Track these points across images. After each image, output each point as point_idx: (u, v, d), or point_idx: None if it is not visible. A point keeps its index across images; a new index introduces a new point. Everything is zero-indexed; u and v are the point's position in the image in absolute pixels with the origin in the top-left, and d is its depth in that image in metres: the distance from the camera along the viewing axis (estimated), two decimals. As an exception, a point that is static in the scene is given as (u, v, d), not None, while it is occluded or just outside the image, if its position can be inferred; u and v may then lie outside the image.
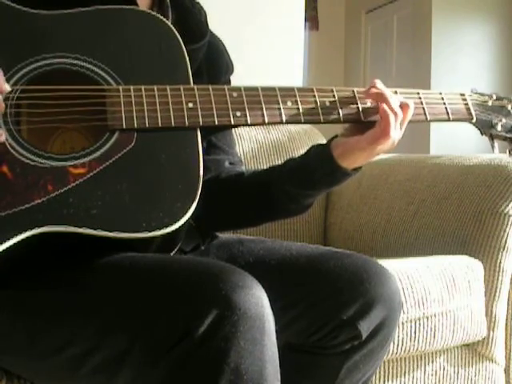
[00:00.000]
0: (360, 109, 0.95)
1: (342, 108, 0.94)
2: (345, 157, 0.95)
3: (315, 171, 0.97)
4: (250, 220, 1.13)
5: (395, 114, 0.93)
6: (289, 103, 0.91)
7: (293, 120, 0.91)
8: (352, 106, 0.95)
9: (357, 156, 0.94)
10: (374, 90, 0.95)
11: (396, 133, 0.94)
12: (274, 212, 1.08)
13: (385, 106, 0.93)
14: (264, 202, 1.05)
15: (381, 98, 0.94)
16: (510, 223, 1.45)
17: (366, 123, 0.95)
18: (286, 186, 1.01)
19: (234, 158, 1.15)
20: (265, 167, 1.11)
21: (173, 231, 0.80)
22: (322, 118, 0.93)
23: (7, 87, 0.79)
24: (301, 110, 0.92)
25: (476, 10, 4.40)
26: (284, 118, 0.91)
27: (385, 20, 4.93)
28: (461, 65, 4.34)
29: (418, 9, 4.52)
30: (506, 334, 1.49)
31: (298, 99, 0.92)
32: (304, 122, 0.93)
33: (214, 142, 1.11)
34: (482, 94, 1.06)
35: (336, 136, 0.98)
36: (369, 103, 0.96)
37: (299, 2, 2.48)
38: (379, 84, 0.96)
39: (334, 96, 0.94)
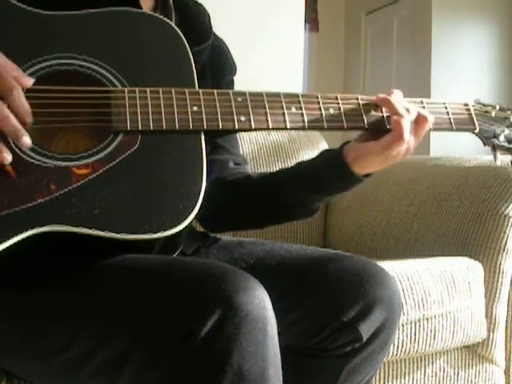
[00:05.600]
0: (365, 117, 0.95)
1: (346, 116, 0.94)
2: (358, 161, 0.94)
3: (326, 176, 0.98)
4: (256, 222, 1.14)
5: (405, 117, 0.92)
6: (293, 109, 0.91)
7: (297, 126, 0.91)
8: (356, 113, 0.95)
9: (371, 160, 0.94)
10: (380, 96, 0.95)
11: (411, 138, 0.93)
12: (281, 215, 1.09)
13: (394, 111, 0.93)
14: (272, 205, 1.05)
15: (386, 103, 0.94)
16: (509, 224, 1.45)
17: (371, 130, 0.95)
18: (296, 190, 1.01)
19: (238, 158, 1.15)
20: (265, 169, 1.12)
21: (174, 234, 0.80)
22: (325, 124, 0.93)
23: (29, 81, 0.80)
24: (305, 117, 0.92)
25: (476, 11, 4.39)
26: (288, 124, 0.90)
27: (385, 21, 4.92)
28: (461, 66, 4.34)
29: (418, 10, 4.51)
30: (506, 336, 1.49)
31: (303, 105, 0.92)
32: (308, 129, 0.92)
33: (219, 142, 1.12)
34: (485, 105, 1.06)
35: (348, 142, 0.98)
36: (381, 112, 0.96)
37: (299, 3, 2.49)
38: (397, 92, 0.96)
39: (338, 103, 0.94)
